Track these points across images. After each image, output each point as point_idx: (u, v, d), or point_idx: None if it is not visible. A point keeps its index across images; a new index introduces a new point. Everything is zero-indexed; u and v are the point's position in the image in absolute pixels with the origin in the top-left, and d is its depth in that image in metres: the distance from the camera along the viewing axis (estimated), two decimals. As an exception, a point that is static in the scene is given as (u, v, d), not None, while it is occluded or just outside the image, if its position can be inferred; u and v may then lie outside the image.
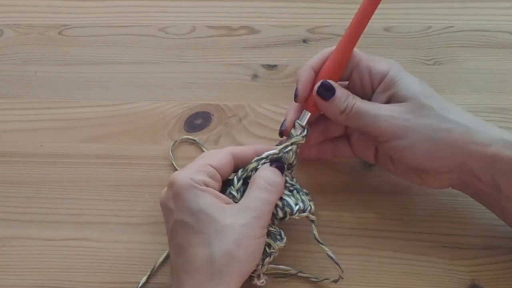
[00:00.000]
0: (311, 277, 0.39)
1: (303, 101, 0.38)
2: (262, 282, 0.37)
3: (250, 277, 0.36)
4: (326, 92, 0.36)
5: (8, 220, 0.44)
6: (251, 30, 0.51)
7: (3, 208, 0.44)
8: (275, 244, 0.36)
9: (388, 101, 0.37)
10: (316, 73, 0.38)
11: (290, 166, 0.39)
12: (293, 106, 0.39)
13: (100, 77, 0.49)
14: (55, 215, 0.44)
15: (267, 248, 0.36)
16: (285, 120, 0.39)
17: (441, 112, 0.35)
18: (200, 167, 0.35)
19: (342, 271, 0.38)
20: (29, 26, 0.52)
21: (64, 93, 0.49)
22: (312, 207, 0.37)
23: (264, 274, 0.37)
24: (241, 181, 0.37)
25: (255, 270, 0.36)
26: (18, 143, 0.46)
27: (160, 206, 0.37)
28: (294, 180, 0.39)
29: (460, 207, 0.42)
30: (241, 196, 0.36)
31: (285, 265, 0.39)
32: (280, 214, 0.36)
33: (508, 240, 0.40)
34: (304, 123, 0.38)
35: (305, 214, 0.37)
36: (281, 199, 0.37)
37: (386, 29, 0.50)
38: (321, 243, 0.37)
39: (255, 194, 0.35)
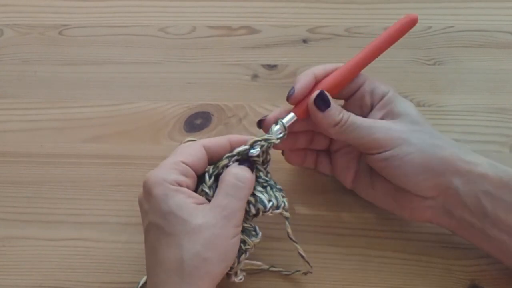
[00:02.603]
0: (283, 271, 0.39)
1: (294, 103, 0.38)
2: (240, 279, 0.37)
3: (228, 275, 0.36)
4: (323, 102, 0.36)
5: (8, 220, 0.44)
6: (251, 30, 0.51)
7: (3, 208, 0.44)
8: (250, 241, 0.36)
9: (383, 118, 0.37)
10: (317, 81, 0.38)
11: (265, 162, 0.38)
12: (281, 107, 0.39)
13: (100, 77, 0.49)
14: (55, 215, 0.44)
15: (242, 245, 0.36)
16: (266, 116, 0.38)
17: (433, 131, 0.36)
18: (173, 165, 0.34)
19: (311, 267, 0.38)
20: (29, 26, 0.52)
21: (64, 93, 0.49)
22: (286, 203, 0.37)
23: (241, 270, 0.37)
24: (213, 178, 0.36)
25: (231, 268, 0.36)
26: (18, 143, 0.46)
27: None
28: (269, 175, 0.38)
29: (460, 207, 0.42)
30: (214, 192, 0.35)
31: (258, 261, 0.39)
32: (253, 210, 0.36)
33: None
34: (286, 123, 0.37)
35: (278, 211, 0.36)
36: (254, 195, 0.36)
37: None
38: (293, 241, 0.37)
39: (224, 192, 0.34)
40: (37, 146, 0.46)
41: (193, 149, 0.36)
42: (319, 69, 0.38)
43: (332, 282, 0.40)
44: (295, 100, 0.37)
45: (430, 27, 0.50)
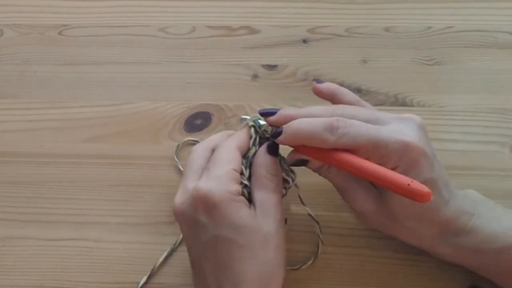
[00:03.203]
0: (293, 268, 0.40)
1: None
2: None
3: None
4: (300, 163, 0.36)
5: (8, 220, 0.44)
6: (251, 30, 0.51)
7: (3, 208, 0.44)
8: (290, 179, 0.37)
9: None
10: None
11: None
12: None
13: (100, 77, 0.49)
14: (55, 215, 0.44)
15: (285, 185, 0.37)
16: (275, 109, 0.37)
17: (405, 223, 0.35)
18: (229, 175, 0.34)
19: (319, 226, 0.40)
20: (29, 26, 0.52)
21: (64, 93, 0.49)
22: (295, 171, 0.38)
23: None
24: (249, 169, 0.36)
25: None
26: (18, 143, 0.46)
27: (175, 216, 0.35)
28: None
29: (460, 207, 0.42)
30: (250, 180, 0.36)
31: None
32: (283, 191, 0.37)
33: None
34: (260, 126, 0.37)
35: (295, 182, 0.38)
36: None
37: (386, 29, 0.50)
38: (303, 204, 0.39)
39: (267, 194, 0.34)
40: (37, 146, 0.46)
41: (233, 154, 0.35)
42: (309, 141, 0.34)
43: (332, 282, 0.40)
44: (279, 143, 0.36)
45: (430, 27, 0.50)
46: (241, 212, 0.33)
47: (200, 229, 0.34)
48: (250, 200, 0.35)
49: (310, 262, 0.40)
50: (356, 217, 0.42)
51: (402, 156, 0.32)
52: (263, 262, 0.33)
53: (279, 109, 0.36)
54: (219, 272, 0.33)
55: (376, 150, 0.32)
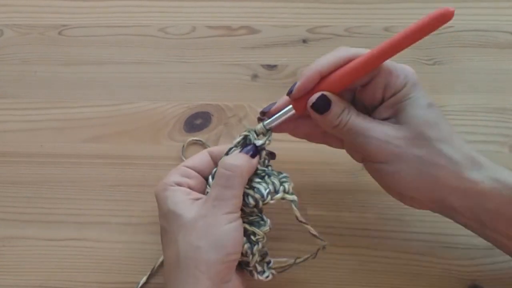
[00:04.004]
0: (309, 257, 0.38)
1: (293, 100, 0.36)
2: (267, 277, 0.36)
3: (250, 273, 0.36)
4: (322, 106, 0.35)
5: (8, 220, 0.44)
6: (251, 30, 0.51)
7: (3, 208, 0.44)
8: (258, 231, 0.36)
9: (390, 116, 0.35)
10: (322, 77, 0.35)
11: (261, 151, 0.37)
12: (285, 97, 0.37)
13: (100, 77, 0.49)
14: (55, 215, 0.44)
15: (252, 237, 0.35)
16: (274, 103, 0.38)
17: (436, 145, 0.34)
18: (175, 170, 0.37)
19: (325, 242, 0.37)
20: (29, 26, 0.52)
21: (64, 93, 0.49)
22: (286, 187, 0.36)
23: (270, 268, 0.37)
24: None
25: (248, 263, 0.36)
26: (18, 143, 0.46)
27: None
28: (269, 168, 0.37)
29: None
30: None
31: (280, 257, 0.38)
32: (252, 201, 0.35)
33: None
34: (267, 125, 0.37)
35: (279, 195, 0.35)
36: (252, 187, 0.36)
37: (386, 29, 0.50)
38: (304, 223, 0.36)
39: (215, 183, 0.35)
40: (37, 146, 0.46)
41: (197, 154, 0.38)
42: (325, 65, 0.35)
43: (333, 282, 0.40)
44: (294, 98, 0.36)
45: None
46: (169, 200, 0.35)
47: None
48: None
49: (300, 260, 0.38)
50: (357, 217, 0.42)
51: (407, 75, 0.35)
52: (181, 246, 0.33)
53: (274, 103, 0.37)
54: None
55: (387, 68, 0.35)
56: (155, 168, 0.45)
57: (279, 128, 0.37)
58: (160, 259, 0.41)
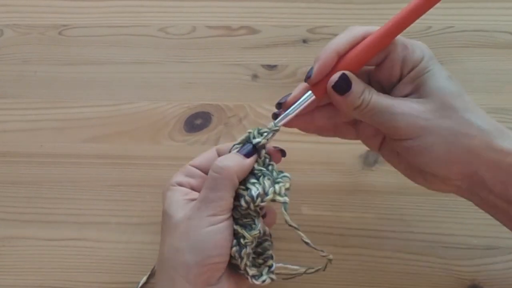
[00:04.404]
0: (319, 269, 0.37)
1: (313, 84, 0.35)
2: (264, 281, 0.35)
3: (245, 276, 0.35)
4: (343, 86, 0.33)
5: (8, 220, 0.44)
6: (251, 30, 0.51)
7: (3, 208, 0.44)
8: (247, 234, 0.35)
9: (411, 92, 0.34)
10: (340, 56, 0.34)
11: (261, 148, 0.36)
12: (303, 84, 0.36)
13: (100, 77, 0.49)
14: (55, 215, 0.44)
15: (241, 240, 0.35)
16: (288, 94, 0.36)
17: (464, 115, 0.32)
18: (181, 169, 0.37)
19: (323, 251, 0.36)
20: (29, 26, 0.52)
21: (64, 93, 0.49)
22: (277, 188, 0.35)
23: (271, 273, 0.36)
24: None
25: (238, 266, 0.35)
26: (18, 143, 0.46)
27: None
28: (270, 167, 0.36)
29: (460, 207, 0.42)
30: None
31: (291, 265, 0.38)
32: (243, 204, 0.35)
33: (508, 241, 0.40)
34: (294, 112, 0.35)
35: (268, 197, 0.34)
36: (246, 188, 0.35)
37: None
38: (295, 227, 0.35)
39: (204, 185, 0.34)
40: (37, 146, 0.46)
41: (206, 152, 0.37)
42: (342, 42, 0.34)
43: (333, 282, 0.40)
44: (313, 82, 0.34)
45: (430, 27, 0.50)
46: (168, 200, 0.35)
47: None
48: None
49: (312, 271, 0.38)
50: (357, 217, 0.42)
51: (423, 49, 0.34)
52: (165, 247, 0.34)
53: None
54: None
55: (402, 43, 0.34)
56: (155, 168, 0.45)
57: (293, 123, 0.36)
58: (160, 259, 0.41)
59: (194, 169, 0.37)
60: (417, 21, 0.50)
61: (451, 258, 0.40)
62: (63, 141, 0.46)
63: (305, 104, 0.35)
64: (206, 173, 0.36)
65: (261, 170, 0.36)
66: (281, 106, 0.36)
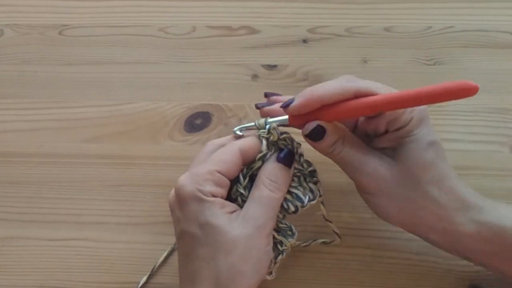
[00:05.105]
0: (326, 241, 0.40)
1: (288, 114, 0.35)
2: (272, 276, 0.36)
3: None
4: (316, 135, 0.34)
5: (8, 220, 0.44)
6: (251, 30, 0.51)
7: (3, 208, 0.44)
8: (286, 241, 0.35)
9: (388, 147, 0.35)
10: (323, 104, 0.34)
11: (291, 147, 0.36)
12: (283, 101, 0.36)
13: (101, 77, 0.49)
14: (55, 215, 0.44)
15: (279, 246, 0.35)
16: (268, 103, 0.38)
17: (425, 187, 0.34)
18: (208, 175, 0.33)
19: (340, 238, 0.39)
20: (29, 26, 0.52)
21: (64, 93, 0.49)
22: (321, 191, 0.36)
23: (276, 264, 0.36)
24: (247, 179, 0.35)
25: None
26: (18, 143, 0.46)
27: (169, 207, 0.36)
28: (302, 156, 0.36)
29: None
30: (249, 191, 0.35)
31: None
32: (292, 208, 0.35)
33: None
34: (271, 125, 0.35)
35: (314, 201, 0.36)
36: (289, 192, 0.35)
37: (386, 29, 0.50)
38: (329, 221, 0.37)
39: (258, 201, 0.34)
40: (37, 146, 0.46)
41: (229, 155, 0.35)
42: (329, 96, 0.33)
43: (333, 282, 0.40)
44: (288, 113, 0.35)
45: (430, 27, 0.50)
46: (208, 212, 0.33)
47: (176, 221, 0.35)
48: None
49: (320, 240, 0.40)
50: (357, 217, 0.42)
51: (413, 110, 0.34)
52: (222, 266, 0.32)
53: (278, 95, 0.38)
54: (184, 266, 0.34)
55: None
56: (155, 168, 0.45)
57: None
58: (160, 259, 0.41)
59: (224, 178, 0.34)
60: (417, 21, 0.50)
61: (451, 258, 0.40)
62: (63, 141, 0.46)
63: (274, 125, 0.36)
64: (229, 177, 0.35)
65: (300, 169, 0.36)
66: (258, 108, 0.38)
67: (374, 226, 0.41)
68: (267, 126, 0.35)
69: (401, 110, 0.34)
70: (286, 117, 0.35)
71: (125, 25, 0.51)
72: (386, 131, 0.35)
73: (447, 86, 0.30)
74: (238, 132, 0.37)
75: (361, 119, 0.37)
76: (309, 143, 0.35)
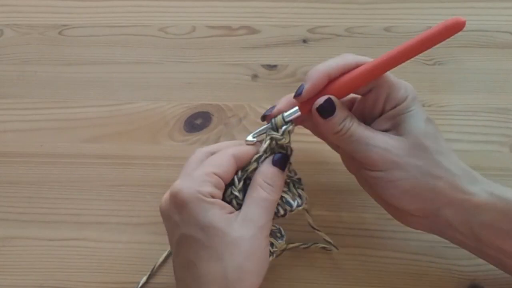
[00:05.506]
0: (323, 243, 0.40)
1: (300, 102, 0.36)
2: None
3: None
4: (327, 110, 0.35)
5: (8, 220, 0.44)
6: (251, 30, 0.51)
7: (3, 208, 0.44)
8: (277, 243, 0.36)
9: (390, 128, 0.36)
10: (330, 80, 0.35)
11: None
12: (287, 97, 0.37)
13: (100, 77, 0.49)
14: (55, 215, 0.44)
15: (270, 248, 0.36)
16: (273, 106, 0.37)
17: (435, 156, 0.34)
18: (206, 176, 0.34)
19: (337, 248, 0.40)
20: (29, 26, 0.52)
21: (64, 93, 0.49)
22: (306, 197, 0.37)
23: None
24: (242, 182, 0.36)
25: None
26: (18, 143, 0.46)
27: (160, 212, 0.36)
28: (290, 167, 0.37)
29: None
30: (243, 194, 0.35)
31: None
32: (281, 211, 0.36)
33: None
34: (286, 118, 0.36)
35: (301, 207, 0.36)
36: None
37: (386, 29, 0.50)
38: (317, 229, 0.38)
39: (256, 203, 0.34)
40: (37, 146, 0.46)
41: (224, 160, 0.35)
42: (335, 67, 0.35)
43: (333, 282, 0.40)
44: (303, 100, 0.36)
45: (430, 27, 0.49)
46: (209, 213, 0.33)
47: (173, 226, 0.34)
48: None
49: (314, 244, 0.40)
50: (357, 217, 0.42)
51: (407, 89, 0.35)
52: (228, 266, 0.32)
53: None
54: (186, 271, 0.34)
55: (390, 80, 0.35)
56: (155, 168, 0.45)
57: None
58: (160, 259, 0.41)
59: (220, 180, 0.34)
60: (417, 21, 0.50)
61: (451, 258, 0.40)
62: (63, 141, 0.46)
63: (290, 118, 0.36)
64: (225, 180, 0.35)
65: (289, 176, 0.37)
66: (265, 119, 0.37)
67: (374, 226, 0.41)
68: (284, 127, 0.36)
69: (397, 87, 0.35)
70: (297, 108, 0.36)
71: (125, 25, 0.51)
72: (383, 112, 0.36)
73: (441, 26, 0.33)
74: (250, 138, 0.37)
75: (358, 101, 0.38)
76: (319, 123, 0.35)
